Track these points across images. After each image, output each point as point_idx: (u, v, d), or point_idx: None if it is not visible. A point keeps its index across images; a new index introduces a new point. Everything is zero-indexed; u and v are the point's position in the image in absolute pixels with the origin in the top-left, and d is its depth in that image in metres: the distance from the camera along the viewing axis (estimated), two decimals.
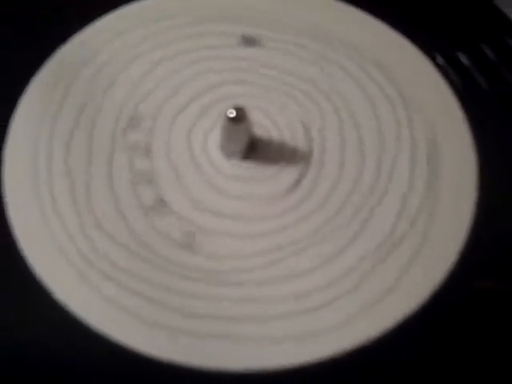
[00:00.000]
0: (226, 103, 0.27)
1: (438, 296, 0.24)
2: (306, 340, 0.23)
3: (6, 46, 0.29)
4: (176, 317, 0.23)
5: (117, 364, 0.23)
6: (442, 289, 0.24)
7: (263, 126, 0.27)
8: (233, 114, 0.25)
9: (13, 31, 0.29)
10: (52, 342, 0.23)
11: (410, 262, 0.24)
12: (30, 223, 0.25)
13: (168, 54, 0.29)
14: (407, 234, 0.25)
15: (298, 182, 0.26)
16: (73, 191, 0.25)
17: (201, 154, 0.27)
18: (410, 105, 0.28)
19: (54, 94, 0.28)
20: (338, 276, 0.24)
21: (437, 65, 0.29)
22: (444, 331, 0.23)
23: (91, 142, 0.27)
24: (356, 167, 0.26)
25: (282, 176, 0.26)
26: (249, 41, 0.29)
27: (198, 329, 0.23)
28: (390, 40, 0.30)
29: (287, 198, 0.26)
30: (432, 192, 0.26)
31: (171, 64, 0.29)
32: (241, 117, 0.25)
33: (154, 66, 0.29)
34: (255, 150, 0.27)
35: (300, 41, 0.29)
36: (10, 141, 0.26)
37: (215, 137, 0.27)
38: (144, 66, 0.28)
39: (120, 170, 0.26)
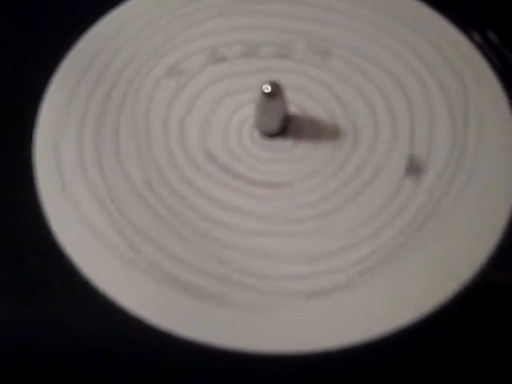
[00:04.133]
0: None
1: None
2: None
3: (34, 28, 0.29)
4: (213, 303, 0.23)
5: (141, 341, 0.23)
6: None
7: (298, 102, 0.27)
8: (268, 89, 0.25)
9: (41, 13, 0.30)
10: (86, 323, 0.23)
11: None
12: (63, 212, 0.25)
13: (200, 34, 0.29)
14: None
15: (331, 159, 0.26)
16: (105, 176, 0.26)
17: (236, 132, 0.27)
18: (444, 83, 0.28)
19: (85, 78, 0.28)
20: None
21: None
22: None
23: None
24: (389, 144, 0.26)
25: (316, 153, 0.26)
26: None
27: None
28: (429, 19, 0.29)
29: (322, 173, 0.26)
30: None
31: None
32: (276, 92, 0.25)
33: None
34: (289, 127, 0.27)
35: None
36: (40, 127, 0.27)
37: (249, 113, 0.27)
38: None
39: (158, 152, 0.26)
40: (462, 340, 0.23)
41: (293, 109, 0.27)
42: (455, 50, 0.28)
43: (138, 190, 0.25)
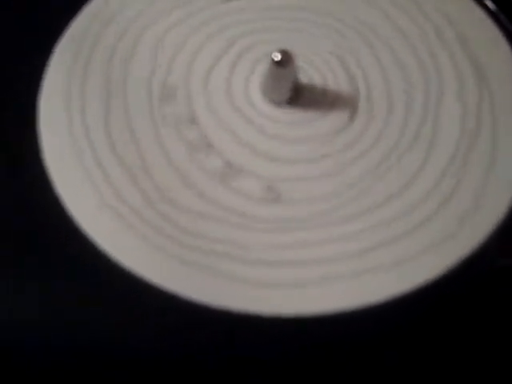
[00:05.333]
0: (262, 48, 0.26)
1: None
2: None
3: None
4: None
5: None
6: None
7: (305, 70, 0.26)
8: (277, 57, 0.24)
9: None
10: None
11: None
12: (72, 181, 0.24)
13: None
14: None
15: (347, 124, 0.25)
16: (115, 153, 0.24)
17: (244, 102, 0.25)
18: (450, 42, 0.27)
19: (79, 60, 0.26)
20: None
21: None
22: None
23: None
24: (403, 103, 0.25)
25: (331, 118, 0.25)
26: None
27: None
28: None
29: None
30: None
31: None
32: (286, 60, 0.24)
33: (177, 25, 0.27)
34: (299, 95, 0.25)
35: None
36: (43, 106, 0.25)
37: (257, 83, 0.25)
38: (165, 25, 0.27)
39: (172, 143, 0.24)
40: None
41: (302, 77, 0.25)
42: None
43: (150, 162, 0.24)
